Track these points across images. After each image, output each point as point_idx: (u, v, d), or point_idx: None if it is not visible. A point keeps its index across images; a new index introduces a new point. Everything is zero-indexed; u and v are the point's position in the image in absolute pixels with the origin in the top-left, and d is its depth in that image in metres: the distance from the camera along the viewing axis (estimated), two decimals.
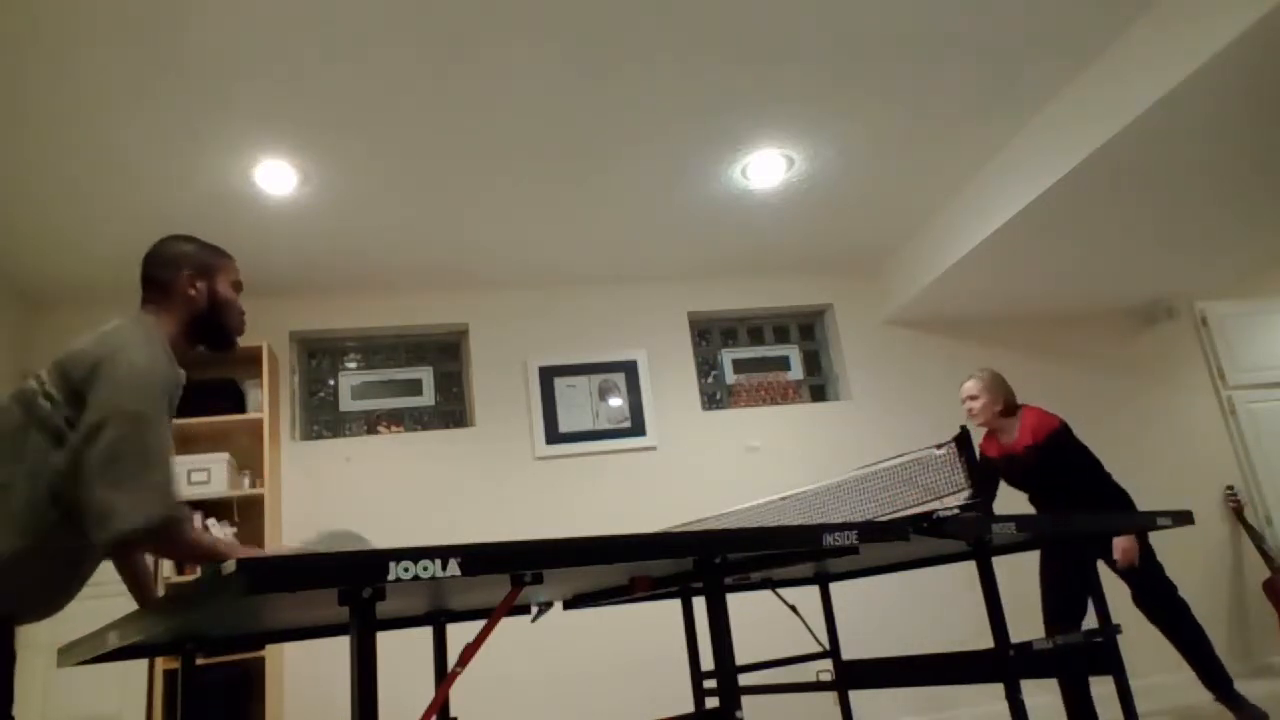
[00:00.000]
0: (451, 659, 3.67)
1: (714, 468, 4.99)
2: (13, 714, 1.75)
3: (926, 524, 2.06)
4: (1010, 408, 3.76)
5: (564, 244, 4.68)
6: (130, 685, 3.87)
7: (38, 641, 3.86)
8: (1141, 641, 5.08)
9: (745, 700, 4.52)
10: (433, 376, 5.04)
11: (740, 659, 4.46)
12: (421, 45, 3.06)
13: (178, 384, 1.84)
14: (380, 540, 4.50)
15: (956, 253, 4.66)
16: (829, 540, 1.72)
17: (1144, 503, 5.44)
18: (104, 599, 3.99)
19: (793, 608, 3.52)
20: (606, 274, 5.12)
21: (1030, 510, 4.19)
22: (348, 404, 4.89)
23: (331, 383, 4.94)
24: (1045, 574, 3.77)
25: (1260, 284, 6.19)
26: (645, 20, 3.07)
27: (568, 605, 2.74)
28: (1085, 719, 3.61)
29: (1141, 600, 3.78)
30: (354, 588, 1.27)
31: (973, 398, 3.75)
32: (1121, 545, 3.60)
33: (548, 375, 4.99)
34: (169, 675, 3.93)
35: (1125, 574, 3.73)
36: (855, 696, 4.65)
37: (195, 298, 1.94)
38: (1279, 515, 5.62)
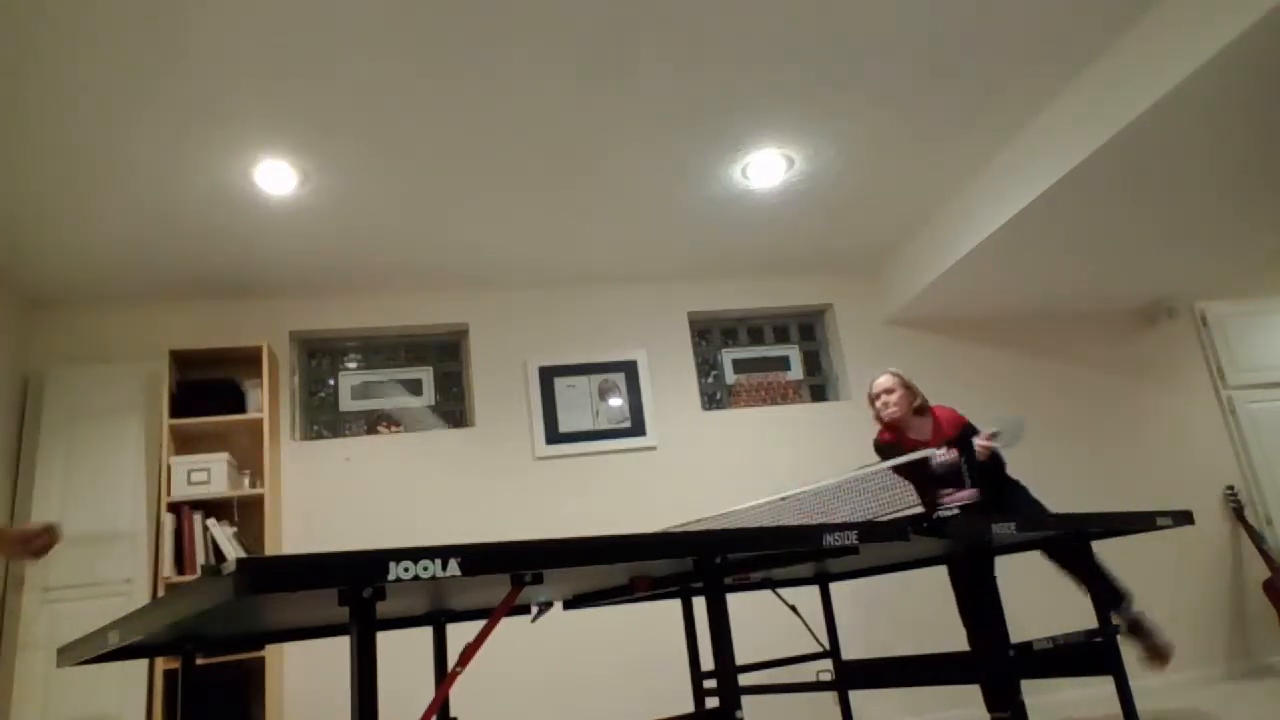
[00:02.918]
0: (451, 659, 3.67)
1: (714, 468, 4.99)
2: None
3: (926, 524, 2.07)
4: (922, 406, 3.74)
5: (564, 244, 4.68)
6: (130, 685, 3.87)
7: (38, 641, 3.86)
8: None
9: (745, 700, 4.52)
10: (433, 376, 5.04)
11: (740, 659, 4.46)
12: (422, 45, 3.06)
13: None
14: (380, 540, 4.50)
15: (956, 253, 4.66)
16: (829, 540, 1.72)
17: (1144, 503, 5.45)
18: (104, 599, 4.00)
19: (793, 608, 3.52)
20: (606, 274, 5.12)
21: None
22: (348, 404, 4.89)
23: (331, 383, 4.94)
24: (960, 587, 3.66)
25: (1260, 284, 6.19)
26: (646, 21, 3.07)
27: (568, 605, 2.74)
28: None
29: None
30: (354, 588, 1.27)
31: (889, 391, 3.70)
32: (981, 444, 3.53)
33: (548, 375, 4.99)
34: (169, 675, 3.93)
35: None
36: (855, 696, 4.65)
37: None
38: (1279, 515, 5.62)
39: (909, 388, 3.72)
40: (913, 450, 3.62)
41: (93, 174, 3.55)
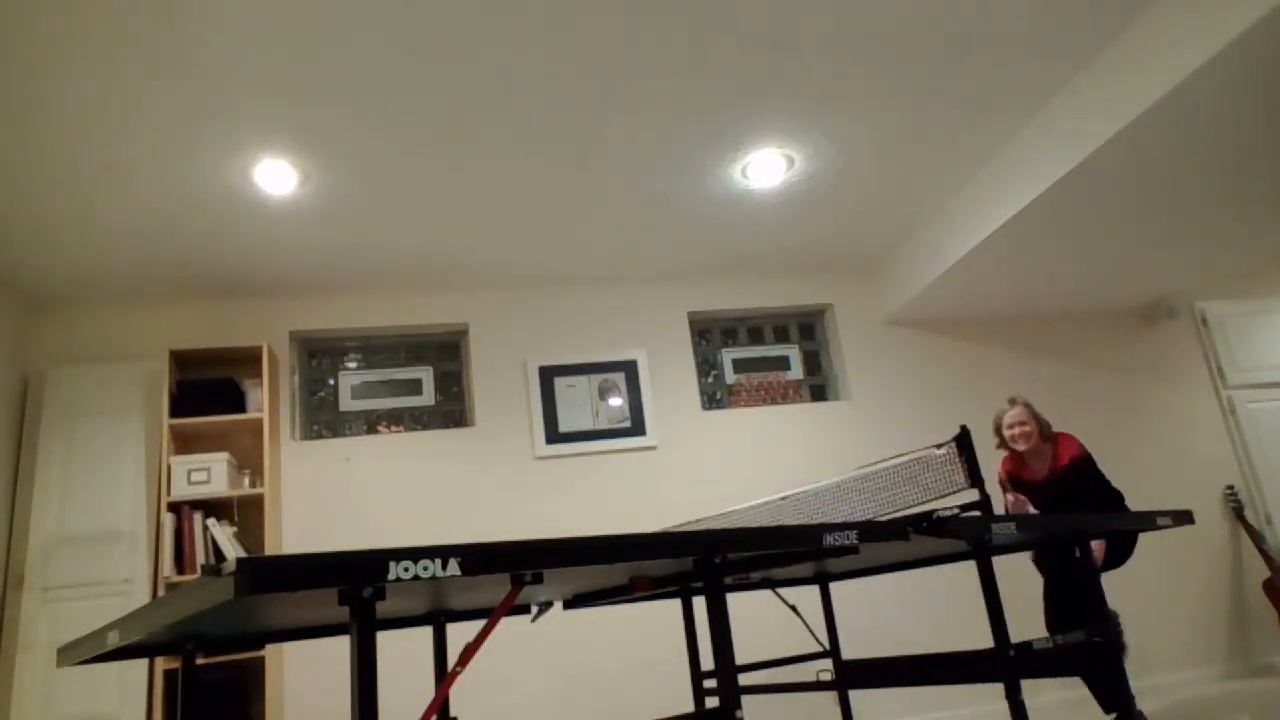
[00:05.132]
0: (451, 659, 3.67)
1: (714, 468, 4.99)
2: None
3: (926, 524, 2.07)
4: (1046, 433, 3.86)
5: (564, 244, 4.68)
6: (130, 685, 3.87)
7: (38, 641, 3.86)
8: (1142, 641, 5.09)
9: (745, 700, 4.52)
10: (433, 376, 5.04)
11: (740, 659, 4.46)
12: (421, 45, 3.06)
13: None
14: (380, 540, 4.50)
15: (956, 252, 4.66)
16: (829, 540, 1.72)
17: (1144, 503, 5.44)
18: (103, 599, 4.01)
19: (793, 608, 3.52)
20: (606, 274, 5.12)
21: None
22: (348, 404, 4.89)
23: (331, 383, 4.94)
24: (1049, 587, 3.79)
25: (1260, 284, 6.19)
26: (646, 20, 3.07)
27: (568, 605, 2.74)
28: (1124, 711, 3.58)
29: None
30: (354, 588, 1.27)
31: (1023, 424, 3.84)
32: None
33: (548, 375, 4.99)
34: (169, 675, 3.93)
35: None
36: (855, 696, 4.65)
37: None
38: (1279, 515, 5.62)
39: (1038, 419, 3.85)
40: (1021, 483, 3.94)
41: (93, 174, 3.55)
